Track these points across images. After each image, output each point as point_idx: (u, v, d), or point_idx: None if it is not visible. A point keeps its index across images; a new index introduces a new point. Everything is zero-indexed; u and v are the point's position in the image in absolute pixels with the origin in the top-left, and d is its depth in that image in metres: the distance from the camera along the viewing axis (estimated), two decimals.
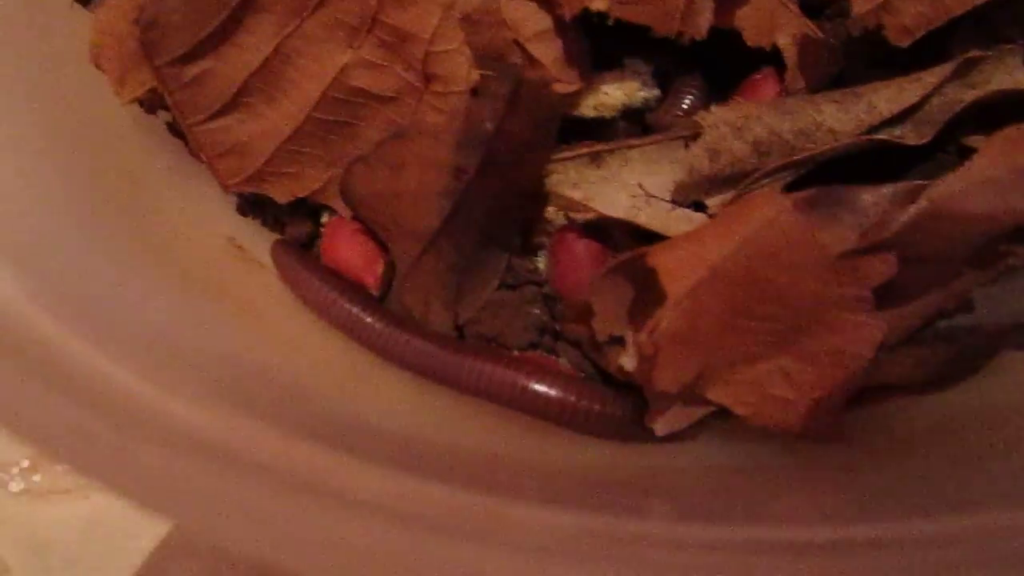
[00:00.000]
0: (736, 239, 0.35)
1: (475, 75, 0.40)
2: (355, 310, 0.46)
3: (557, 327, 0.47)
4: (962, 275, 0.38)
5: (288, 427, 0.37)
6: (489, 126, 0.38)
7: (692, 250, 0.36)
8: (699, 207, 0.44)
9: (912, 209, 0.36)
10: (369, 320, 0.46)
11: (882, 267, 0.35)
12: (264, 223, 0.52)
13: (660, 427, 0.41)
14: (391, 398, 0.46)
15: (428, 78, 0.42)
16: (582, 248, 0.45)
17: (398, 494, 0.31)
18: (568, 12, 0.41)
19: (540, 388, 0.43)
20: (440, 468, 0.38)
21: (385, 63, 0.43)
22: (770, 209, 0.35)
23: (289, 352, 0.47)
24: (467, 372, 0.44)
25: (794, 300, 0.37)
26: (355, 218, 0.48)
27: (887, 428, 0.42)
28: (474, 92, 0.38)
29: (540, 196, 0.45)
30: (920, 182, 0.42)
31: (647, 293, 0.39)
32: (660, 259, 0.37)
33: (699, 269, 0.35)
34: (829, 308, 0.37)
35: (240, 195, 0.51)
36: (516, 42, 0.43)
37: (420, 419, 0.44)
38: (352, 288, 0.47)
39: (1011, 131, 0.37)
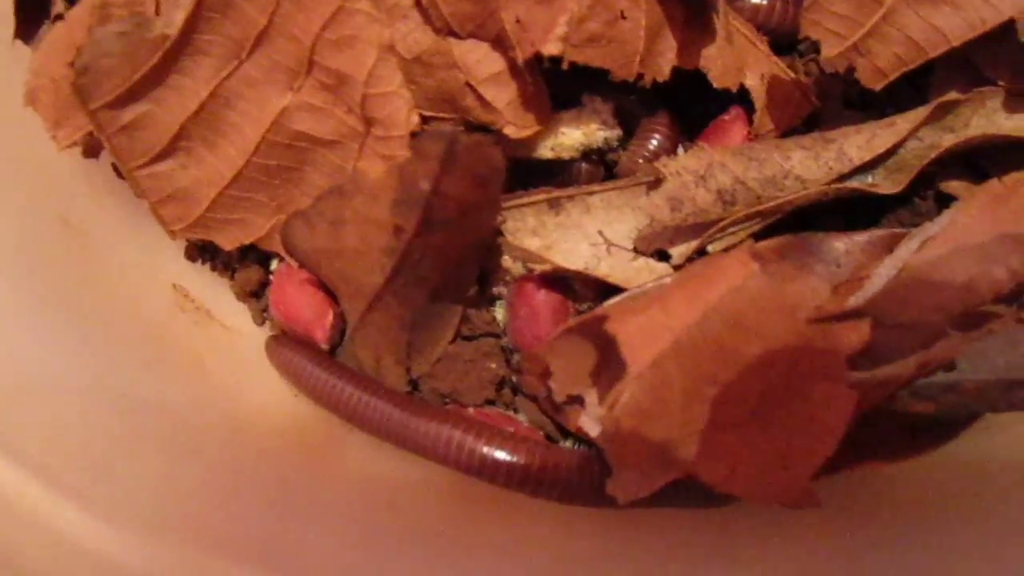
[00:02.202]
0: (702, 307, 0.31)
1: (415, 119, 0.36)
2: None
3: (516, 381, 0.42)
4: (944, 338, 0.33)
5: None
6: (425, 186, 0.34)
7: (655, 318, 0.32)
8: (663, 256, 0.40)
9: (886, 276, 0.31)
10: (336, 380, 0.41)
11: (855, 335, 0.31)
12: (214, 268, 0.48)
13: (623, 495, 0.37)
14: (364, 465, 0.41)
15: (368, 122, 0.37)
16: (541, 299, 0.41)
17: None
18: (521, 55, 0.36)
19: (493, 452, 0.39)
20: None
21: (326, 106, 0.38)
22: (738, 274, 0.31)
23: (245, 423, 0.42)
24: (417, 434, 0.39)
25: (764, 369, 0.33)
26: (303, 267, 0.43)
27: (863, 493, 0.38)
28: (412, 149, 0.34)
29: (495, 247, 0.40)
30: (896, 231, 0.38)
31: (608, 355, 0.35)
32: (621, 326, 0.32)
33: (662, 339, 0.31)
34: (800, 377, 0.33)
35: (188, 240, 0.46)
36: (468, 85, 0.38)
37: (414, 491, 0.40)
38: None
39: (994, 185, 0.33)
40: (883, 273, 0.32)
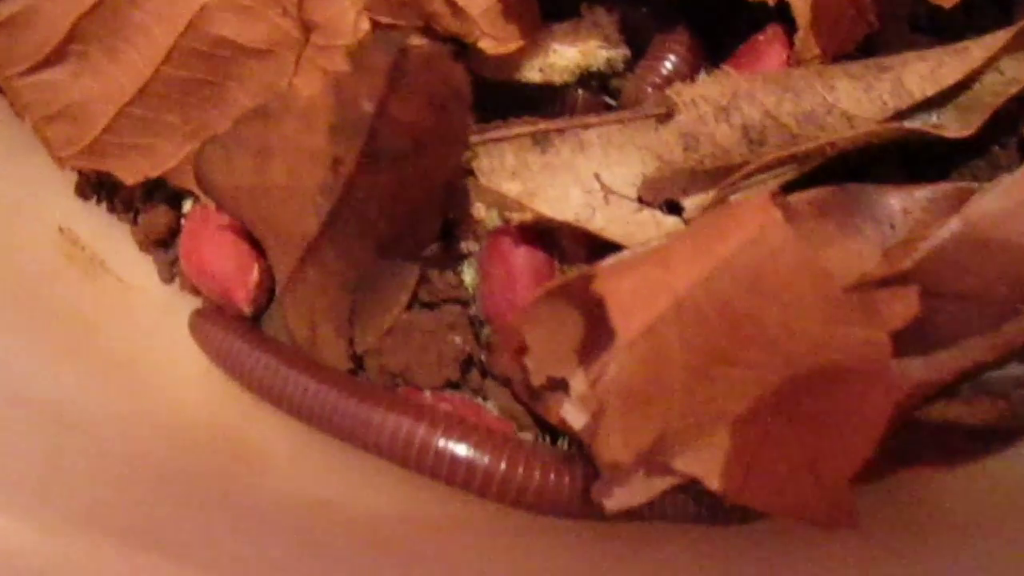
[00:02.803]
0: (711, 261, 0.31)
1: (365, 25, 0.36)
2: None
3: (485, 360, 0.43)
4: (1016, 317, 0.33)
5: None
6: (367, 107, 0.34)
7: (653, 273, 0.32)
8: (674, 208, 0.40)
9: (941, 233, 0.31)
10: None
11: (900, 306, 0.31)
12: (111, 209, 0.47)
13: (611, 503, 0.37)
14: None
15: (307, 27, 0.37)
16: (520, 258, 0.41)
17: None
18: None
19: (451, 448, 0.39)
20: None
21: (255, 5, 0.38)
22: (756, 222, 0.31)
23: (142, 403, 0.42)
24: (359, 424, 0.39)
25: (788, 345, 0.32)
26: (222, 210, 0.42)
27: (911, 510, 0.38)
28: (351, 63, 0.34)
29: (463, 191, 0.40)
30: (967, 184, 0.38)
31: (598, 326, 0.35)
32: (610, 284, 0.32)
33: (661, 300, 0.31)
34: (834, 356, 0.33)
35: (80, 173, 0.46)
36: None
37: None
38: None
39: None
40: (941, 233, 0.32)
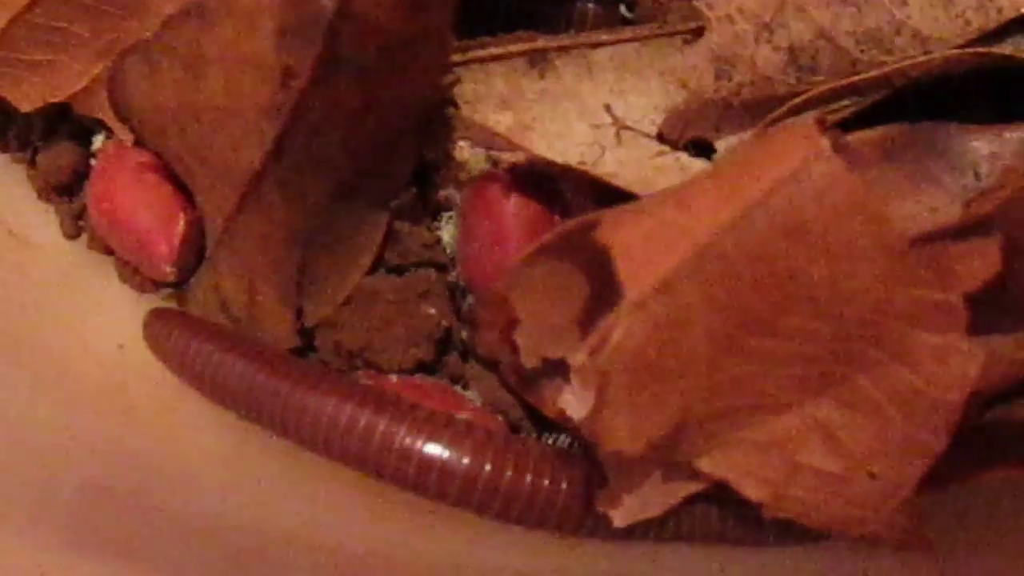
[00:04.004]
0: (741, 202, 0.32)
1: None
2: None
3: (466, 338, 0.43)
4: None
5: None
6: (327, 2, 0.34)
7: (669, 217, 0.32)
8: (703, 150, 0.41)
9: (1016, 173, 0.32)
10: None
11: (980, 261, 0.31)
12: (2, 148, 0.48)
13: (619, 515, 0.37)
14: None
15: None
16: (511, 210, 0.41)
17: None
18: None
19: (421, 447, 0.39)
20: None
21: None
22: (797, 154, 0.31)
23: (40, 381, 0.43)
24: (302, 417, 0.39)
25: (838, 309, 0.33)
26: (142, 144, 0.43)
27: (990, 524, 0.39)
28: None
29: (443, 123, 0.41)
30: None
31: (603, 288, 0.35)
32: (617, 231, 0.33)
33: (679, 249, 0.32)
34: (896, 324, 0.33)
35: None
36: None
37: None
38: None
39: None
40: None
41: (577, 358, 0.33)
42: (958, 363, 0.33)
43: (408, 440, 0.40)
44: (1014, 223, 0.33)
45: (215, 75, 0.38)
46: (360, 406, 0.40)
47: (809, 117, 0.33)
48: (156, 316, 0.44)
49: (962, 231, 0.33)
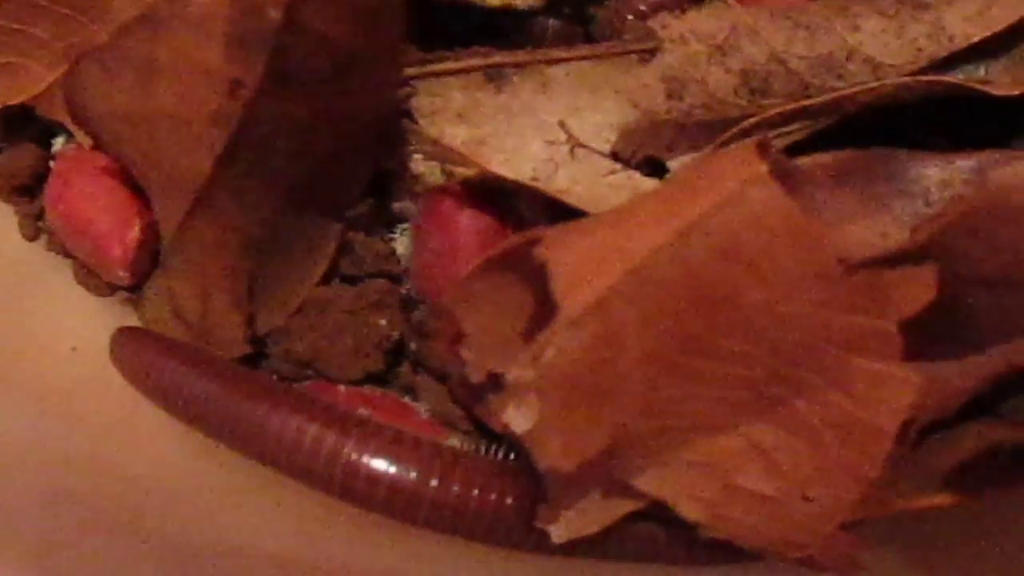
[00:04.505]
0: (678, 223, 0.32)
1: None
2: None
3: (416, 350, 0.43)
4: None
5: None
6: (274, 15, 0.35)
7: (607, 237, 0.33)
8: (657, 169, 0.41)
9: (962, 200, 0.32)
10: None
11: (916, 287, 0.32)
12: None
13: (558, 530, 0.37)
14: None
15: None
16: (464, 224, 0.42)
17: None
18: None
19: (367, 461, 0.39)
20: None
21: None
22: (735, 177, 0.31)
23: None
24: (253, 431, 0.40)
25: (774, 333, 0.33)
26: (101, 148, 0.43)
27: (926, 554, 0.39)
28: None
29: (400, 137, 0.41)
30: (1020, 152, 0.38)
31: (545, 306, 0.35)
32: (557, 250, 0.33)
33: (614, 268, 0.32)
34: (833, 349, 0.33)
35: None
36: None
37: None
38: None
39: None
40: (961, 202, 0.33)
41: (511, 374, 0.33)
42: (893, 390, 0.33)
43: (355, 455, 0.40)
44: (958, 250, 0.33)
45: (167, 82, 0.38)
46: (308, 420, 0.40)
47: (751, 141, 0.33)
48: (123, 335, 0.44)
49: (899, 257, 0.33)
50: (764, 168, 0.32)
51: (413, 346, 0.43)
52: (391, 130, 0.41)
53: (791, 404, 0.35)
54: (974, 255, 0.33)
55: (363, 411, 0.42)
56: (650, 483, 0.36)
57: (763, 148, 0.32)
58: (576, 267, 0.32)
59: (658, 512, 0.38)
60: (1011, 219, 0.33)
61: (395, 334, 0.43)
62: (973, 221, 0.33)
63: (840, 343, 0.33)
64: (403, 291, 0.44)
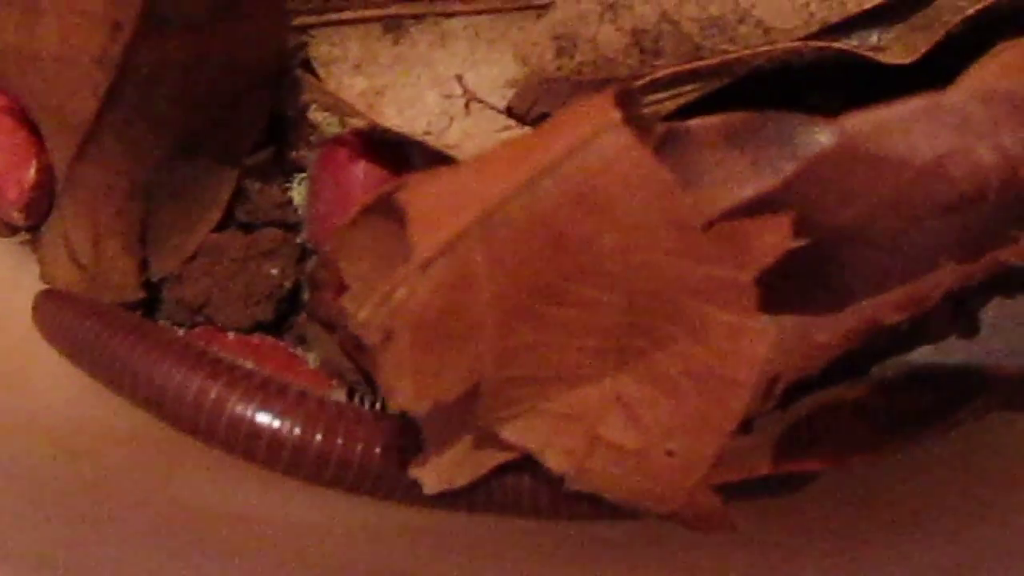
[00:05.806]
0: (531, 168, 0.32)
1: None
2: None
3: (307, 297, 0.44)
4: (936, 270, 0.34)
5: None
6: None
7: (465, 181, 0.33)
8: None
9: (813, 147, 0.32)
10: None
11: (771, 236, 0.32)
12: None
13: (430, 480, 0.38)
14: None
15: None
16: (358, 174, 0.42)
17: None
18: None
19: (249, 412, 0.40)
20: None
21: None
22: (588, 123, 0.32)
23: None
24: (146, 384, 0.40)
25: (631, 281, 0.33)
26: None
27: (798, 509, 0.39)
28: None
29: (295, 82, 0.41)
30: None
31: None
32: (415, 195, 0.33)
33: (467, 212, 0.32)
34: (691, 300, 0.33)
35: None
36: None
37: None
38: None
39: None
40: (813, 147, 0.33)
41: (360, 315, 0.33)
42: (749, 342, 0.33)
43: (239, 408, 0.40)
44: (814, 198, 0.33)
45: (50, 23, 0.38)
46: (192, 371, 0.40)
47: (610, 89, 0.33)
48: (45, 297, 0.44)
49: (755, 207, 0.33)
50: (617, 115, 0.32)
51: (306, 296, 0.44)
52: (287, 78, 0.42)
53: (652, 355, 0.35)
54: (828, 204, 0.33)
55: (246, 362, 0.42)
56: (515, 433, 0.37)
57: (621, 96, 0.32)
58: (432, 211, 0.32)
59: (530, 465, 0.38)
60: (863, 167, 0.33)
61: (287, 283, 0.43)
62: (827, 169, 0.33)
63: (697, 293, 0.33)
64: (299, 241, 0.44)
